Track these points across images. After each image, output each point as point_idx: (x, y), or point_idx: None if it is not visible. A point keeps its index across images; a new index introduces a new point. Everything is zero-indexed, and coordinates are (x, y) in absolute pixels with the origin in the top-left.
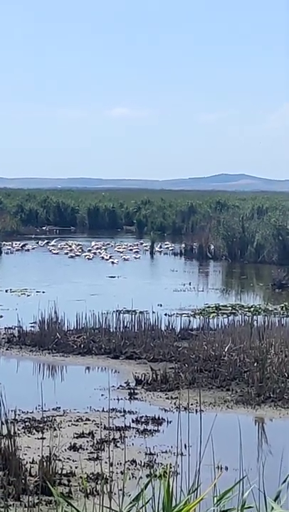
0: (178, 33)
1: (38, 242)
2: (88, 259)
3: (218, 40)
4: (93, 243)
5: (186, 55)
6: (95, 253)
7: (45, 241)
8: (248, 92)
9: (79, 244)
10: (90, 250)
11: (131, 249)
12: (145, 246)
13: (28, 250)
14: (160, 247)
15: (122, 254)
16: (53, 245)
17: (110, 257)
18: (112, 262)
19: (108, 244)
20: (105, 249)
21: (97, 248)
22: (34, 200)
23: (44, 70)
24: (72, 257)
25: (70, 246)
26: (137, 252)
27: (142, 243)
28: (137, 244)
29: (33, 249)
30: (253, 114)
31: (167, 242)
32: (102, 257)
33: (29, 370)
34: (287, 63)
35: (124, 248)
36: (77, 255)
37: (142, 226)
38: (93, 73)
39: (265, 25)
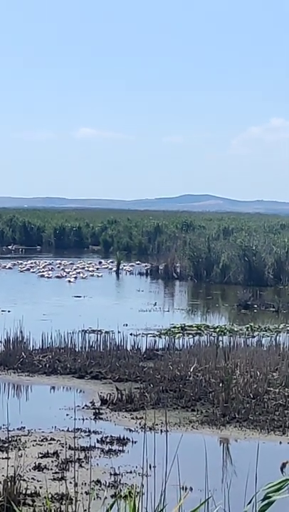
0: (145, 56)
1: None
2: (48, 277)
3: (185, 65)
4: (75, 265)
5: (152, 77)
6: (78, 273)
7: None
8: (213, 115)
9: (62, 263)
10: (74, 270)
11: (92, 269)
12: (106, 265)
13: None
14: (131, 265)
15: (82, 273)
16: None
17: (70, 276)
18: (69, 281)
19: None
20: (84, 268)
21: (82, 268)
22: (0, 220)
23: (10, 92)
24: (42, 276)
25: (39, 265)
26: (97, 269)
27: (111, 262)
28: (99, 263)
29: (7, 268)
30: (218, 137)
31: (138, 261)
32: (58, 276)
33: None
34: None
35: (87, 267)
36: (49, 275)
37: (108, 246)
38: (59, 94)
39: (232, 51)
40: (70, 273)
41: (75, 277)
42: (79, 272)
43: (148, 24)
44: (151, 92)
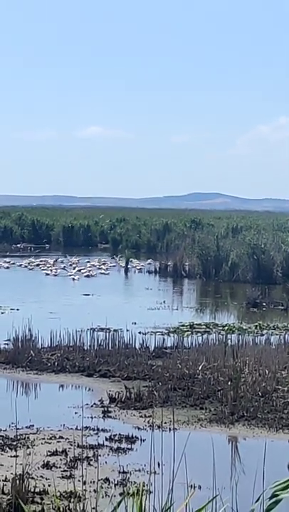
0: (150, 55)
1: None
2: (55, 275)
3: (191, 64)
4: (89, 263)
5: (158, 77)
6: (90, 270)
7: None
8: (219, 114)
9: (76, 262)
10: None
11: (106, 267)
12: (121, 263)
13: (8, 268)
14: (148, 263)
15: (92, 271)
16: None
17: (74, 273)
18: (73, 279)
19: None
20: (96, 266)
21: (93, 265)
22: (9, 218)
23: (13, 92)
24: (48, 274)
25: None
26: (105, 268)
27: (119, 260)
28: (104, 262)
29: (19, 264)
30: (225, 136)
31: (151, 259)
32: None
33: (3, 387)
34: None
35: (99, 265)
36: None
37: (116, 244)
38: (63, 93)
39: (237, 50)
40: (83, 271)
41: (88, 276)
42: (90, 270)
43: (148, 24)
44: (157, 90)
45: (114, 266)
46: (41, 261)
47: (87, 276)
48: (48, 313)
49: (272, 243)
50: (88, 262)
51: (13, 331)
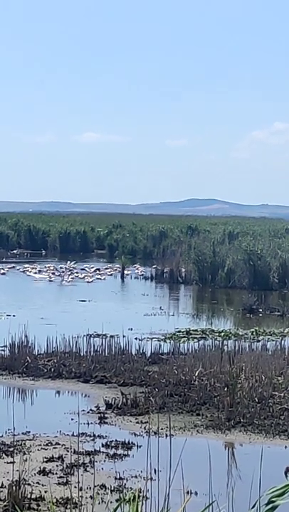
0: (146, 61)
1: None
2: (50, 281)
3: (186, 68)
4: (92, 268)
5: (154, 81)
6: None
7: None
8: (217, 119)
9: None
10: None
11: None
12: (113, 270)
13: (4, 274)
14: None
15: (89, 277)
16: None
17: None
18: (62, 282)
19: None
20: (96, 272)
21: (95, 270)
22: (5, 224)
23: (12, 93)
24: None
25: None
26: (100, 274)
27: (115, 267)
28: (106, 268)
29: (15, 268)
30: (222, 141)
31: (155, 265)
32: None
33: None
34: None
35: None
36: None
37: (113, 250)
38: (62, 97)
39: (232, 55)
40: (87, 275)
41: (92, 280)
42: (90, 275)
43: (144, 27)
44: (155, 95)
45: (116, 271)
46: (47, 267)
47: (90, 282)
48: (45, 319)
49: (269, 249)
50: (93, 267)
51: (9, 337)
